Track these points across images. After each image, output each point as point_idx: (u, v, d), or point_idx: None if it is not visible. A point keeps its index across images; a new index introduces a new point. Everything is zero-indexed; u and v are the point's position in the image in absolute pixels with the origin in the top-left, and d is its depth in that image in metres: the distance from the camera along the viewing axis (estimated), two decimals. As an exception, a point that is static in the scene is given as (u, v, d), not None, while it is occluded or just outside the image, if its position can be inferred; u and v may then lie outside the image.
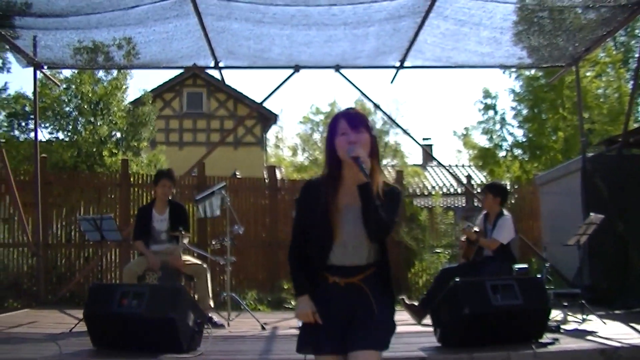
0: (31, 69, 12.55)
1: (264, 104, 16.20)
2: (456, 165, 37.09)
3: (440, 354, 6.46)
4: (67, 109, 17.79)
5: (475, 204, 15.32)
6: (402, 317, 9.28)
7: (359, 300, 3.86)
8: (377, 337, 3.79)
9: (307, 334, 3.88)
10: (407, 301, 9.55)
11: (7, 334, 8.18)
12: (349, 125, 3.84)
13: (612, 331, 7.70)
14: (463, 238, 9.63)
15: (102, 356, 6.26)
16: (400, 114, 41.75)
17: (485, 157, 27.01)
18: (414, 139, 16.75)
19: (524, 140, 25.79)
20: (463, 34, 11.39)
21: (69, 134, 17.58)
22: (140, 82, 41.69)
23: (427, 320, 8.26)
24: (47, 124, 17.72)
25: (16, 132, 18.45)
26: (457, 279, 6.98)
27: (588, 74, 23.26)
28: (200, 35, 11.20)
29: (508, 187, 17.46)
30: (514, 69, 23.54)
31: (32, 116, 16.54)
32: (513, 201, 16.60)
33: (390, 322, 3.94)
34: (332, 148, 3.88)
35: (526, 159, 25.77)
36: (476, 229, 9.39)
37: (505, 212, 9.25)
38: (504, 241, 8.86)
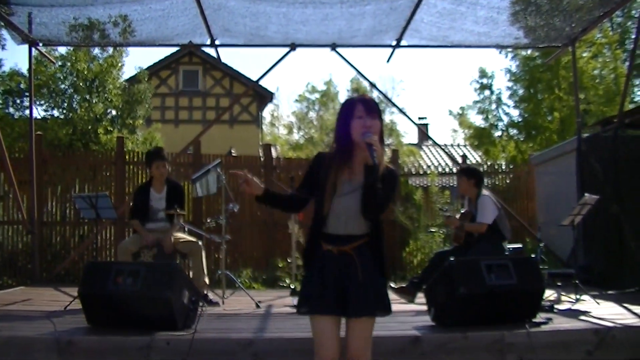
0: (26, 46, 12.50)
1: (260, 82, 16.23)
2: (452, 145, 37.13)
3: (434, 333, 6.47)
4: (63, 86, 17.76)
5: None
6: (396, 297, 9.34)
7: (350, 268, 4.22)
8: (369, 305, 4.20)
9: (304, 295, 4.30)
10: (394, 285, 9.62)
11: (2, 311, 8.19)
12: (365, 110, 4.24)
13: (605, 311, 7.71)
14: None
15: (97, 334, 6.26)
16: (396, 93, 41.75)
17: (480, 137, 27.04)
18: (409, 118, 16.75)
19: (520, 120, 25.79)
20: (460, 13, 11.35)
21: (64, 111, 17.56)
22: (136, 60, 41.80)
23: (420, 299, 8.28)
24: (42, 102, 17.69)
25: (11, 110, 18.40)
26: (452, 259, 6.99)
27: (584, 54, 23.25)
28: (197, 12, 11.14)
29: (503, 167, 17.52)
30: (510, 49, 23.53)
31: (27, 93, 16.47)
32: (508, 181, 16.63)
33: (382, 290, 4.32)
34: (347, 128, 4.26)
35: (522, 139, 25.78)
36: (460, 212, 9.48)
37: (484, 191, 9.26)
38: (489, 221, 8.84)
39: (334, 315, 4.21)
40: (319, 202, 4.31)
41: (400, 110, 16.38)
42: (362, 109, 4.24)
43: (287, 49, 12.70)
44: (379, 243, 4.35)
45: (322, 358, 4.21)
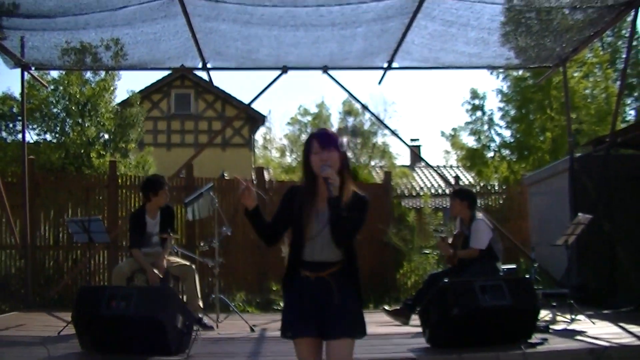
0: (19, 70, 12.51)
1: (252, 105, 16.21)
2: (444, 166, 37.17)
3: (429, 354, 6.47)
4: (55, 110, 17.73)
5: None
6: (391, 319, 9.32)
7: (327, 292, 4.43)
8: (346, 327, 4.40)
9: (287, 321, 4.51)
10: (388, 308, 9.64)
11: (-5, 336, 8.16)
12: (320, 145, 4.50)
13: (600, 331, 7.72)
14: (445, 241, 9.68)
15: (91, 359, 6.24)
16: (389, 114, 41.72)
17: (473, 158, 27.04)
18: (402, 139, 16.84)
19: (512, 140, 25.81)
20: (451, 35, 11.41)
21: (57, 135, 17.53)
22: (128, 83, 41.76)
23: (415, 321, 8.27)
24: (35, 126, 17.66)
25: (4, 134, 18.34)
26: (445, 280, 6.99)
27: (575, 74, 23.34)
28: (188, 36, 11.18)
29: (496, 187, 17.55)
30: (501, 70, 23.57)
31: (19, 117, 16.45)
32: (501, 202, 16.65)
33: (358, 313, 4.52)
34: (307, 164, 4.55)
35: (514, 160, 25.79)
36: (455, 232, 9.53)
37: (478, 214, 9.27)
38: (482, 246, 8.86)
39: (315, 338, 4.44)
40: (296, 231, 4.54)
41: (393, 132, 16.46)
42: (317, 144, 4.51)
43: (279, 72, 12.72)
44: (353, 268, 4.56)
45: None
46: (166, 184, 9.39)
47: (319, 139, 4.56)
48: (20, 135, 14.51)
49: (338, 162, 4.50)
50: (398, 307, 9.50)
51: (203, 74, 17.90)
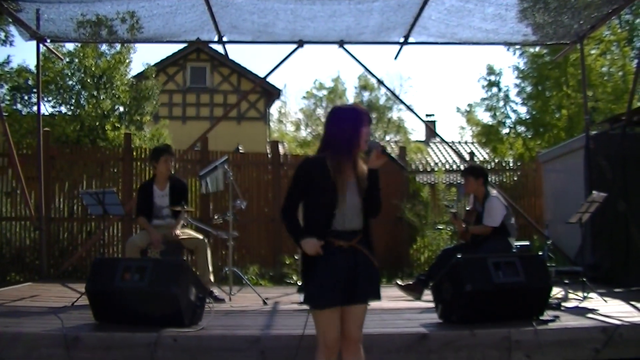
0: (34, 43, 12.50)
1: (268, 79, 16.19)
2: (459, 142, 37.09)
3: (441, 330, 6.46)
4: (70, 82, 17.78)
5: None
6: (403, 294, 9.33)
7: (359, 259, 4.73)
8: (372, 291, 4.80)
9: (314, 290, 4.69)
10: (401, 283, 9.63)
11: (9, 307, 8.21)
12: (369, 121, 4.85)
13: (613, 309, 7.70)
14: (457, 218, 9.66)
15: (104, 330, 6.27)
16: (404, 90, 41.58)
17: (488, 134, 26.92)
18: (417, 115, 16.72)
19: (528, 117, 25.65)
20: (468, 10, 11.33)
21: (72, 107, 17.59)
22: (143, 56, 41.79)
23: (428, 296, 8.27)
24: (50, 98, 17.72)
25: (19, 106, 18.42)
26: (459, 256, 6.98)
27: (593, 51, 23.15)
28: (204, 9, 11.14)
29: (511, 164, 17.50)
30: (518, 46, 23.44)
31: (34, 90, 16.48)
32: (516, 179, 16.61)
33: (377, 277, 4.87)
34: (355, 134, 4.74)
35: (529, 137, 25.68)
36: (467, 207, 9.52)
37: (492, 191, 9.23)
38: (496, 224, 8.84)
39: (338, 307, 4.68)
40: (326, 201, 4.68)
41: (408, 108, 16.33)
42: (367, 120, 4.83)
43: (294, 46, 12.68)
44: (370, 237, 4.88)
45: (327, 348, 4.70)
46: (169, 152, 9.32)
47: (368, 116, 4.87)
48: (35, 108, 14.57)
49: None
50: (411, 282, 9.50)
51: (219, 48, 17.85)
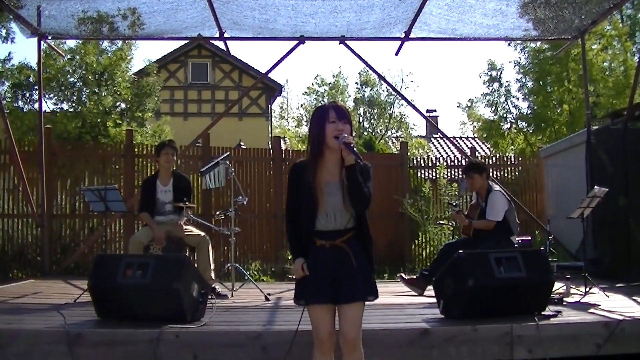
0: (35, 39, 12.51)
1: (269, 75, 16.20)
2: (460, 137, 37.06)
3: (443, 325, 6.47)
4: (72, 79, 17.82)
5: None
6: (406, 289, 9.34)
7: (342, 258, 4.69)
8: (361, 290, 4.67)
9: (301, 288, 4.77)
10: (405, 276, 9.62)
11: (12, 304, 8.23)
12: (337, 115, 4.71)
13: (614, 304, 7.70)
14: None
15: (107, 326, 6.28)
16: (405, 85, 41.40)
17: (489, 130, 26.93)
18: (418, 110, 16.70)
19: (529, 112, 25.68)
20: (469, 6, 11.33)
21: (74, 104, 17.62)
22: (145, 53, 41.73)
23: (430, 291, 8.28)
24: (52, 95, 17.75)
25: (20, 103, 18.45)
26: (461, 251, 6.98)
27: (594, 46, 23.16)
28: (205, 5, 11.14)
29: (512, 160, 17.50)
30: (519, 42, 23.43)
31: (36, 87, 16.50)
32: (517, 174, 16.60)
33: (370, 277, 4.79)
34: (320, 132, 4.71)
35: (531, 132, 25.72)
36: (472, 202, 9.51)
37: (494, 186, 9.24)
38: (499, 218, 8.86)
39: (328, 304, 4.69)
40: (309, 204, 4.70)
41: (409, 103, 16.32)
42: (334, 114, 4.71)
43: (296, 42, 12.69)
44: (365, 235, 4.80)
45: (321, 343, 4.71)
46: (170, 146, 9.32)
47: (336, 110, 4.75)
48: (36, 105, 14.58)
49: (350, 134, 4.69)
50: (414, 277, 9.51)
51: (220, 44, 17.85)
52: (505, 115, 26.65)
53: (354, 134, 4.80)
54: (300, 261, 4.70)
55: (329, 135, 4.66)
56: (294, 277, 4.81)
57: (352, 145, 4.59)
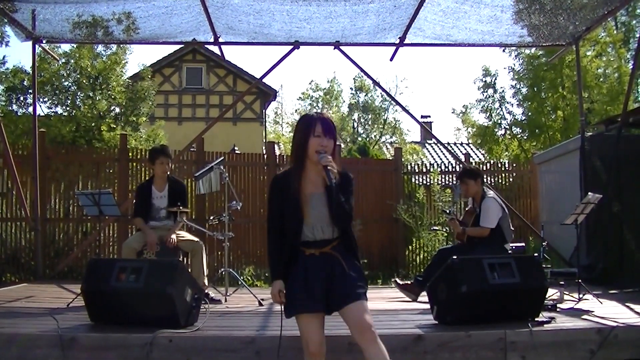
0: (30, 43, 12.50)
1: (264, 80, 16.19)
2: (454, 143, 37.11)
3: (436, 331, 6.47)
4: (66, 83, 17.79)
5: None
6: (399, 295, 9.35)
7: (334, 264, 4.71)
8: (358, 291, 4.65)
9: (292, 299, 4.71)
10: (399, 281, 9.62)
11: (5, 308, 8.20)
12: (323, 129, 4.69)
13: (608, 310, 7.71)
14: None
15: (100, 331, 6.27)
16: (400, 91, 41.56)
17: (484, 136, 26.96)
18: (412, 116, 16.71)
19: (523, 118, 25.72)
20: (463, 12, 11.35)
21: (68, 108, 17.58)
22: (139, 57, 41.49)
23: (424, 297, 8.28)
24: (46, 99, 17.71)
25: (14, 107, 18.38)
26: (455, 257, 6.98)
27: (588, 53, 23.23)
28: (200, 10, 11.14)
29: (506, 166, 17.53)
30: (514, 48, 23.49)
31: (30, 90, 16.47)
32: (511, 180, 16.62)
33: (362, 278, 4.79)
34: (304, 144, 4.71)
35: (525, 138, 25.77)
36: (467, 209, 9.58)
37: (489, 192, 9.24)
38: (492, 226, 8.86)
39: (320, 312, 4.68)
40: (294, 216, 4.74)
41: (404, 109, 16.32)
42: (321, 128, 4.69)
43: (290, 47, 12.69)
44: (351, 240, 4.84)
45: (311, 352, 4.66)
46: (164, 155, 9.28)
47: (323, 123, 4.72)
48: (30, 109, 14.57)
49: (332, 150, 4.72)
50: (409, 282, 9.51)
51: (215, 49, 17.84)
52: (499, 121, 26.69)
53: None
54: (279, 285, 4.75)
55: (312, 148, 4.67)
56: (272, 299, 4.84)
57: (328, 168, 4.59)
